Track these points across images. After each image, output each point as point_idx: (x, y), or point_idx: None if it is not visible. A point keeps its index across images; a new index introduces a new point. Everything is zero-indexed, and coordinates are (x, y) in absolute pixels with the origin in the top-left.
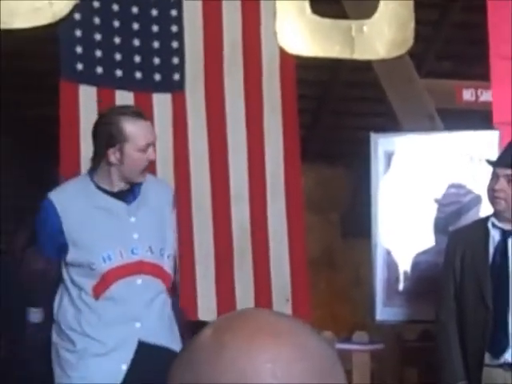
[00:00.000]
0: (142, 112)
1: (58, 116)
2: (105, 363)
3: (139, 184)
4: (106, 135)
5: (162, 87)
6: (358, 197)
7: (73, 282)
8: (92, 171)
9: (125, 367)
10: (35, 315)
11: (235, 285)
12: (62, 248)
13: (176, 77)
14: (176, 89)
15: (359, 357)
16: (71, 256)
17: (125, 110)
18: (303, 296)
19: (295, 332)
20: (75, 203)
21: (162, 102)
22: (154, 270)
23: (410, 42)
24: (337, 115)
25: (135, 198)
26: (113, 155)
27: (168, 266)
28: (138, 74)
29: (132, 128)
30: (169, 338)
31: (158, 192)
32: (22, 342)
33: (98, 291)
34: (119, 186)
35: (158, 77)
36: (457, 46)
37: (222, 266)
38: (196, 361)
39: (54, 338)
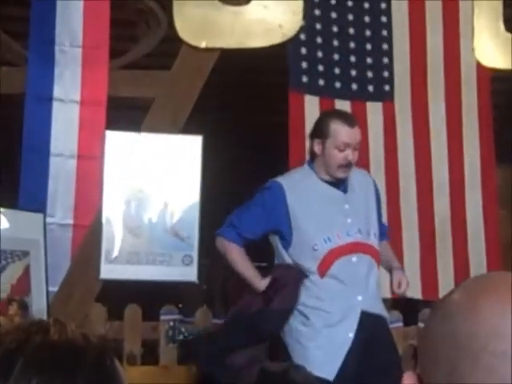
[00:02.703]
0: (353, 120)
1: (283, 122)
2: (335, 333)
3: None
4: (316, 128)
5: (374, 97)
6: None
7: (297, 264)
8: (311, 162)
9: (351, 335)
10: None
11: (437, 267)
12: (280, 232)
13: (387, 88)
14: (386, 98)
15: None
16: (295, 239)
17: (337, 113)
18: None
19: None
20: (301, 190)
21: (374, 110)
22: (365, 248)
23: None
24: None
25: (346, 187)
26: (317, 146)
27: (375, 243)
28: (354, 86)
29: (335, 127)
30: (382, 306)
31: (361, 181)
32: None
33: (322, 270)
34: (329, 177)
35: (371, 88)
36: None
37: (425, 250)
38: (452, 316)
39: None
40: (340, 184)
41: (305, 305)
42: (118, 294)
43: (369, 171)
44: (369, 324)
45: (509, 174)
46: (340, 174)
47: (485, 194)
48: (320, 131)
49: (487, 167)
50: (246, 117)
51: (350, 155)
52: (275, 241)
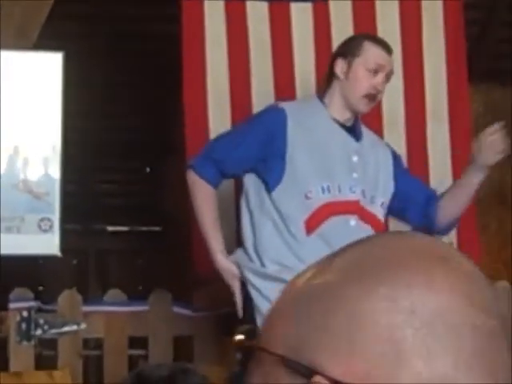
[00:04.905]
0: (391, 49)
1: (178, 33)
2: None
3: (359, 124)
4: (343, 47)
5: None
6: None
7: (280, 213)
8: (322, 95)
9: None
10: None
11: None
12: (269, 168)
13: None
14: None
15: None
16: (286, 180)
17: (372, 36)
18: (471, 238)
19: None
20: (306, 123)
21: (301, 13)
22: (367, 216)
23: None
24: (509, 26)
25: (359, 137)
26: (340, 66)
27: (381, 214)
28: None
29: (369, 47)
30: None
31: (374, 141)
32: None
33: (311, 225)
34: (344, 114)
35: None
36: None
37: None
38: (303, 310)
39: (251, 276)
40: (352, 130)
41: (282, 264)
42: None
43: (294, 95)
44: None
45: (491, 95)
46: (362, 107)
47: (454, 126)
48: (347, 48)
49: (457, 88)
50: (125, 27)
51: (381, 83)
52: (253, 182)
